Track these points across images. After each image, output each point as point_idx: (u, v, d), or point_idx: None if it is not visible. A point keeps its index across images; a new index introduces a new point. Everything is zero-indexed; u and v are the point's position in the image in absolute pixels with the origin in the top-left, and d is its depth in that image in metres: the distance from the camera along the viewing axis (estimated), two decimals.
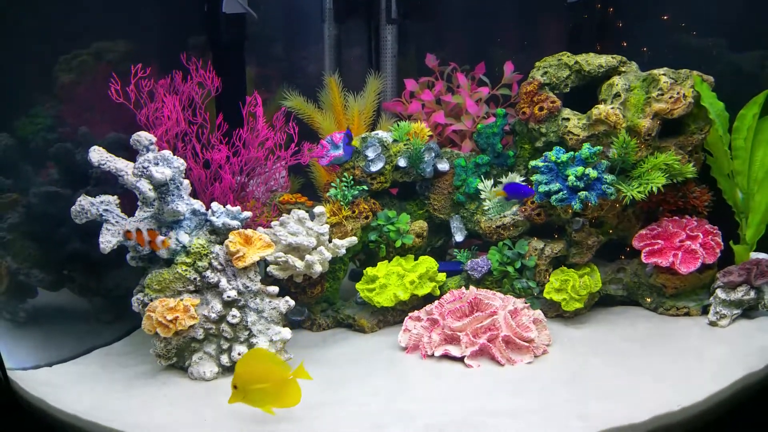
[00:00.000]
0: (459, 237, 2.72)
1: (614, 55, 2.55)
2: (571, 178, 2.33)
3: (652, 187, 2.30)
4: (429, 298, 2.54)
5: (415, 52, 3.33)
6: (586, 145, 2.37)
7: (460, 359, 2.21)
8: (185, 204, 2.18)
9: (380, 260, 2.62)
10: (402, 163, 2.65)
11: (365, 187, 2.61)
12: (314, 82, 3.13)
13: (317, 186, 3.07)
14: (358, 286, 2.56)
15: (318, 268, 2.38)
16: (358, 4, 3.38)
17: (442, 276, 2.59)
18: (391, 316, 2.58)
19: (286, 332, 2.22)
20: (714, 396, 1.91)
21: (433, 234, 2.83)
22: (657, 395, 1.92)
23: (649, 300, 2.55)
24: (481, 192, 2.62)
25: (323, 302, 2.62)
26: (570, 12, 3.00)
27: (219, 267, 2.21)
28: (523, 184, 2.53)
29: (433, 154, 2.68)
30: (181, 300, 2.15)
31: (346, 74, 3.18)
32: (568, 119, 2.50)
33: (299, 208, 2.55)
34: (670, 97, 2.33)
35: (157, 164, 2.13)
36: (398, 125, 2.72)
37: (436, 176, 2.74)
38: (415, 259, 2.62)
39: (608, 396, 1.94)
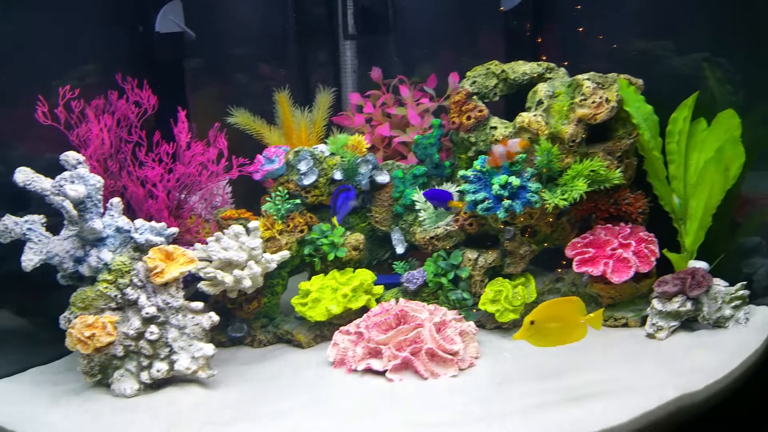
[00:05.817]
0: (400, 249, 2.69)
1: (540, 62, 2.50)
2: (495, 187, 2.28)
3: (576, 195, 2.24)
4: (366, 312, 2.50)
5: (377, 65, 3.33)
6: None
7: (383, 373, 2.18)
8: (101, 222, 2.19)
9: (316, 274, 2.60)
10: (338, 176, 2.63)
11: (299, 201, 2.60)
12: (271, 99, 3.15)
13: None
14: (293, 300, 2.54)
15: (247, 283, 2.37)
16: (317, 22, 3.42)
17: (379, 289, 2.56)
18: (328, 330, 2.54)
19: (209, 348, 2.20)
20: (639, 419, 1.80)
21: (379, 247, 2.81)
22: (578, 415, 1.81)
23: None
24: (416, 203, 2.59)
25: (263, 318, 2.60)
26: (504, 20, 2.97)
27: (139, 284, 2.21)
28: (443, 189, 2.51)
29: (371, 167, 2.65)
30: (99, 317, 2.16)
31: (306, 90, 3.20)
32: (495, 128, 2.46)
33: (241, 224, 2.55)
34: (592, 102, 2.26)
35: (72, 182, 2.15)
36: (336, 138, 2.71)
37: (377, 189, 2.71)
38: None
39: (526, 414, 1.85)
